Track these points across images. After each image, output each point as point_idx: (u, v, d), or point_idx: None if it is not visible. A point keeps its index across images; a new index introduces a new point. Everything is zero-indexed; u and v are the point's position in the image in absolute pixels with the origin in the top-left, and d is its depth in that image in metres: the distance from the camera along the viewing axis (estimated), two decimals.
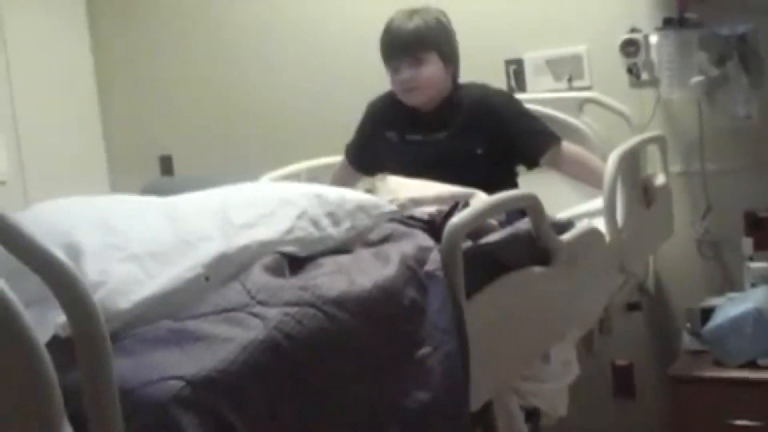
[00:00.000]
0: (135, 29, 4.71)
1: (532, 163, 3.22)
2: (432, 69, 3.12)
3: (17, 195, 4.14)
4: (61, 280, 1.25)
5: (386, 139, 3.28)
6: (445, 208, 2.34)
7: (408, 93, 3.18)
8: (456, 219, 2.02)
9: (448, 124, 3.17)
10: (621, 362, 3.87)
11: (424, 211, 2.35)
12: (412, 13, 3.15)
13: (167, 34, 4.63)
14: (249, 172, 3.53)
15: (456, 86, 3.24)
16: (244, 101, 4.47)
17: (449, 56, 3.18)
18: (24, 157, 4.27)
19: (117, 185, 4.64)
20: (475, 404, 2.00)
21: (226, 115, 4.52)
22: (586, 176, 3.16)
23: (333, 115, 4.16)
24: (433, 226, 2.20)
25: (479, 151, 3.12)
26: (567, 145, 3.19)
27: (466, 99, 3.20)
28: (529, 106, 3.31)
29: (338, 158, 3.57)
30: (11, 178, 4.20)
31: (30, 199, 3.94)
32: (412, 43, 3.11)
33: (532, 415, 2.52)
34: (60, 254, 1.26)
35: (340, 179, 3.41)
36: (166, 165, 4.65)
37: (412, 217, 2.28)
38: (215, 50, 4.53)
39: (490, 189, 2.67)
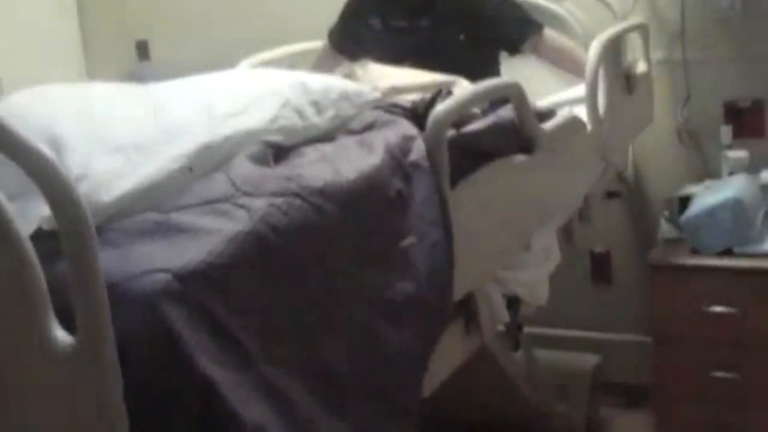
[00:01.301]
0: None
1: (513, 50, 3.23)
2: None
3: None
4: (44, 173, 1.25)
5: (369, 26, 3.26)
6: (428, 95, 2.32)
7: None
8: (440, 108, 2.01)
9: (431, 10, 3.16)
10: (599, 249, 3.90)
11: (407, 99, 2.34)
12: None
13: None
14: (228, 57, 3.49)
15: None
16: None
17: None
18: None
19: (92, 70, 4.57)
20: (459, 294, 2.02)
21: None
22: (567, 64, 3.18)
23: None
24: (416, 114, 2.19)
25: (461, 36, 3.12)
26: (549, 33, 3.21)
27: None
28: None
29: (319, 44, 3.53)
30: None
31: (4, 87, 3.87)
32: None
33: (513, 302, 2.54)
34: (43, 147, 1.25)
35: (322, 64, 3.38)
36: (143, 50, 4.58)
37: (395, 105, 2.27)
38: None
39: (473, 75, 2.67)
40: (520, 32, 3.19)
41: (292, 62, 3.47)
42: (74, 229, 1.25)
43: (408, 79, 2.64)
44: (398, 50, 3.08)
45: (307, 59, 3.51)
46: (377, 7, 3.26)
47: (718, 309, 3.18)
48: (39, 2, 4.42)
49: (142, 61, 4.53)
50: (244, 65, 3.33)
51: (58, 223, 1.26)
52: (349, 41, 3.35)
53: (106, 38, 4.63)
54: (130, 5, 4.60)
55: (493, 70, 3.20)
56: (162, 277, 1.37)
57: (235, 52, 3.51)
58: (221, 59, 3.71)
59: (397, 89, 2.49)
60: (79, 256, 1.26)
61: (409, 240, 1.86)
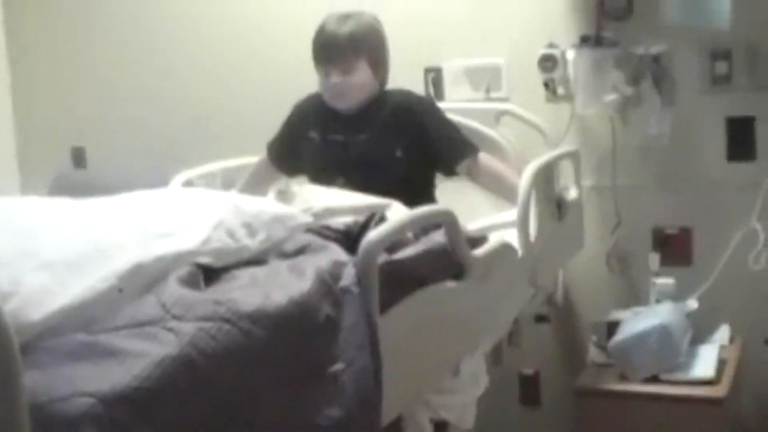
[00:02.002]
0: (51, 16, 4.60)
1: (449, 171, 3.25)
2: (361, 76, 3.15)
3: None
4: None
5: (309, 139, 3.27)
6: (361, 218, 2.34)
7: (336, 98, 3.19)
8: (372, 236, 2.01)
9: (370, 126, 3.18)
10: (527, 371, 3.92)
11: (340, 222, 2.35)
12: (346, 17, 3.16)
13: (84, 23, 4.54)
14: (163, 169, 3.50)
15: (382, 90, 3.26)
16: (162, 95, 4.40)
17: (379, 63, 3.21)
18: None
19: (27, 176, 4.55)
20: (387, 418, 2.01)
21: (142, 109, 4.44)
22: (500, 189, 3.19)
23: (251, 115, 4.15)
24: (349, 237, 2.21)
25: (398, 153, 3.14)
26: (484, 157, 3.23)
27: (389, 102, 3.22)
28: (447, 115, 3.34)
29: (255, 159, 3.56)
30: None
31: None
32: (344, 50, 3.12)
33: (440, 427, 2.54)
34: None
35: (258, 177, 3.40)
36: (79, 157, 4.57)
37: (327, 227, 2.28)
38: (133, 41, 4.45)
39: (408, 193, 2.71)
40: (456, 154, 3.20)
41: (229, 177, 3.49)
42: None
43: (342, 201, 2.66)
44: (334, 162, 3.12)
45: (241, 174, 3.53)
46: (317, 122, 3.27)
47: None
48: None
49: (77, 168, 4.51)
50: (181, 178, 3.33)
51: None
52: (288, 155, 3.37)
53: (41, 143, 4.62)
54: (67, 111, 4.60)
55: (429, 189, 3.24)
56: (86, 401, 1.35)
57: (173, 162, 3.53)
58: (158, 167, 3.77)
59: (331, 210, 2.51)
60: (0, 376, 1.24)
61: (338, 365, 1.85)
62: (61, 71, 4.61)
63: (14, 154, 4.62)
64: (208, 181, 3.41)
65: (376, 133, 3.17)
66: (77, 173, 4.43)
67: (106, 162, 4.45)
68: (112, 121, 4.51)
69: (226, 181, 3.48)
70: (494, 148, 3.44)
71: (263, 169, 3.48)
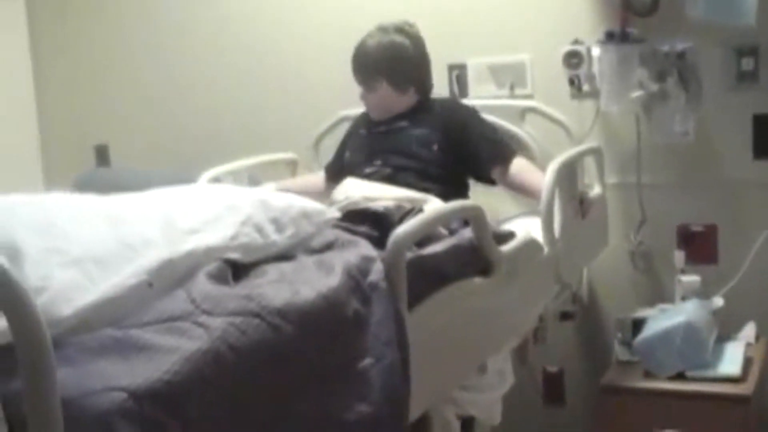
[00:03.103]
0: (73, 16, 4.63)
1: (484, 173, 3.29)
2: (381, 94, 3.30)
3: None
4: (2, 284, 1.24)
5: (358, 135, 3.41)
6: (404, 205, 2.35)
7: (367, 109, 3.40)
8: (401, 230, 2.02)
9: (413, 119, 3.29)
10: (552, 369, 3.91)
11: (380, 204, 2.36)
12: (379, 33, 3.32)
13: (107, 23, 4.56)
14: (188, 167, 3.51)
15: (425, 99, 3.37)
16: (186, 92, 4.41)
17: (403, 81, 3.31)
18: None
19: (51, 175, 4.56)
20: (414, 414, 2.02)
21: (166, 106, 4.46)
22: (529, 193, 3.20)
23: (277, 112, 4.17)
24: (388, 220, 2.21)
25: (435, 147, 3.20)
26: (517, 164, 3.26)
27: (435, 105, 3.35)
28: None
29: (280, 155, 3.61)
30: None
31: None
32: (362, 71, 3.32)
33: (467, 423, 2.54)
34: (1, 257, 1.25)
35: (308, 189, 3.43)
36: (102, 155, 4.58)
37: (360, 212, 2.28)
38: (155, 40, 4.46)
39: (442, 195, 2.72)
40: (494, 157, 3.26)
41: (254, 174, 3.50)
42: (30, 342, 1.25)
43: (382, 193, 2.68)
44: (376, 147, 3.24)
45: (267, 171, 3.53)
46: (367, 122, 3.41)
47: None
48: None
49: (101, 166, 4.52)
50: (206, 176, 3.33)
51: (14, 335, 1.25)
52: (343, 170, 3.39)
53: (65, 141, 4.64)
54: (91, 110, 4.62)
55: (461, 193, 3.26)
56: (117, 395, 1.36)
57: (197, 159, 3.53)
58: (182, 165, 3.77)
59: (370, 200, 2.52)
60: (34, 371, 1.25)
61: (366, 361, 1.85)
62: (85, 69, 4.64)
63: (38, 152, 4.64)
64: (236, 177, 3.41)
65: (417, 124, 3.26)
66: (101, 171, 4.43)
67: (129, 160, 4.45)
68: (135, 118, 4.53)
69: (253, 178, 3.49)
70: (519, 145, 3.46)
71: (318, 183, 3.56)
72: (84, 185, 3.91)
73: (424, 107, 3.33)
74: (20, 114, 4.57)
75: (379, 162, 3.19)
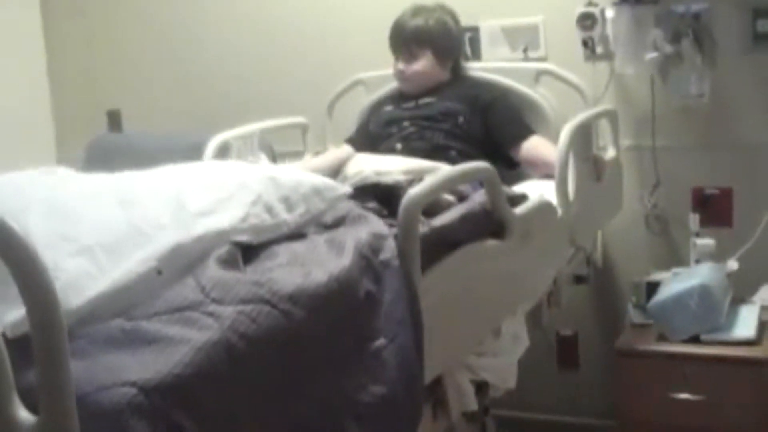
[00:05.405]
0: None
1: (502, 149, 3.29)
2: (424, 64, 3.38)
3: None
4: (24, 271, 1.25)
5: (384, 111, 3.46)
6: (418, 178, 2.33)
7: (401, 82, 3.46)
8: (412, 193, 2.00)
9: (440, 94, 3.37)
10: (565, 332, 3.91)
11: (393, 177, 2.34)
12: (419, 10, 3.44)
13: None
14: (200, 131, 3.49)
15: (456, 75, 3.48)
16: (197, 56, 4.39)
17: (446, 54, 3.43)
18: None
19: (63, 140, 4.55)
20: (428, 378, 2.01)
21: (178, 71, 4.45)
22: (543, 164, 3.19)
23: (288, 75, 4.15)
24: (399, 193, 2.19)
25: (461, 119, 3.27)
26: (532, 142, 3.28)
27: (464, 82, 3.45)
28: (485, 75, 3.50)
29: (290, 120, 3.63)
30: None
31: None
32: (408, 41, 3.40)
33: (481, 387, 2.53)
34: (26, 239, 1.26)
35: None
36: (115, 120, 4.56)
37: (377, 185, 2.28)
38: (168, 4, 4.44)
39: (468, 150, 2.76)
40: (516, 136, 3.30)
41: (263, 138, 3.48)
42: (48, 327, 1.26)
43: (394, 165, 2.68)
44: (404, 115, 3.35)
45: (277, 135, 3.52)
46: (393, 99, 3.50)
47: (683, 396, 3.19)
48: (10, 70, 4.41)
49: (113, 131, 4.50)
50: (215, 140, 3.30)
51: (31, 319, 1.26)
52: (365, 143, 3.43)
53: (77, 107, 4.63)
54: (103, 74, 4.60)
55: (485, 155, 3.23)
56: (127, 390, 1.36)
57: (209, 125, 3.51)
58: (194, 129, 3.76)
59: (382, 174, 2.50)
60: (49, 357, 1.26)
61: (380, 341, 1.84)
62: (96, 34, 4.62)
63: (50, 118, 4.63)
64: (245, 142, 3.39)
65: (445, 98, 3.34)
66: (113, 136, 4.41)
67: (142, 125, 4.44)
68: (147, 83, 4.52)
69: (263, 143, 3.47)
70: (534, 109, 3.43)
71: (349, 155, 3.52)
72: (96, 150, 3.94)
73: (453, 84, 3.41)
74: (32, 80, 4.55)
75: (407, 123, 3.30)
